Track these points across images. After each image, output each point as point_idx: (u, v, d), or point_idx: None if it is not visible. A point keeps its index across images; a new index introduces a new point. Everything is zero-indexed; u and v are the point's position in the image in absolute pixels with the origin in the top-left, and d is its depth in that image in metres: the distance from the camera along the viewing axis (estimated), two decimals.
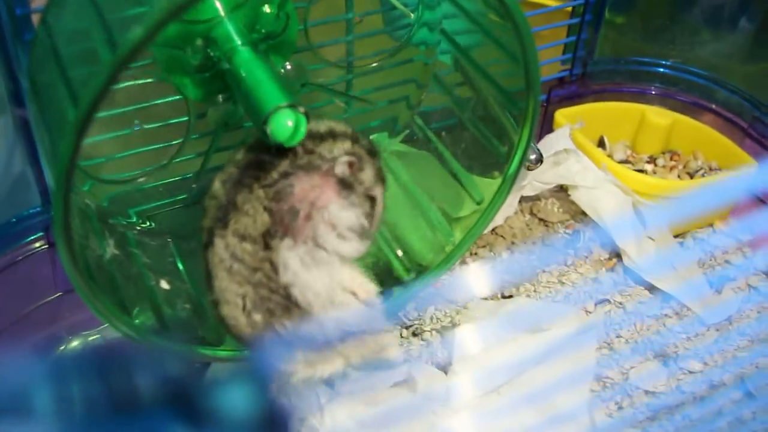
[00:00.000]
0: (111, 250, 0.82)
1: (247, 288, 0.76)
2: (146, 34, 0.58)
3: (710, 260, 1.11)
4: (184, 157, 0.90)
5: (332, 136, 0.79)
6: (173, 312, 0.87)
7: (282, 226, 0.75)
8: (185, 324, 0.87)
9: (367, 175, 0.80)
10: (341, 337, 0.80)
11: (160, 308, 0.85)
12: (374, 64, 0.97)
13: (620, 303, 1.03)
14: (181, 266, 0.91)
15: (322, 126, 0.80)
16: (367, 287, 0.81)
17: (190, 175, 0.93)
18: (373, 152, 0.82)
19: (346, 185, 0.78)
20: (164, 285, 0.87)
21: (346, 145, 0.79)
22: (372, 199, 0.81)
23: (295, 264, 0.75)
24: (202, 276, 0.80)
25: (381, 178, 0.83)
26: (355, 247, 0.79)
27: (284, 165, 0.76)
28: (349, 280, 0.80)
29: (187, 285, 0.89)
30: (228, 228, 0.76)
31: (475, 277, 0.91)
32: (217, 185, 0.78)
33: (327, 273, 0.77)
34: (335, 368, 0.82)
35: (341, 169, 0.78)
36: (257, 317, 0.77)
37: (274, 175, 0.76)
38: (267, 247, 0.75)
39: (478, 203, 0.93)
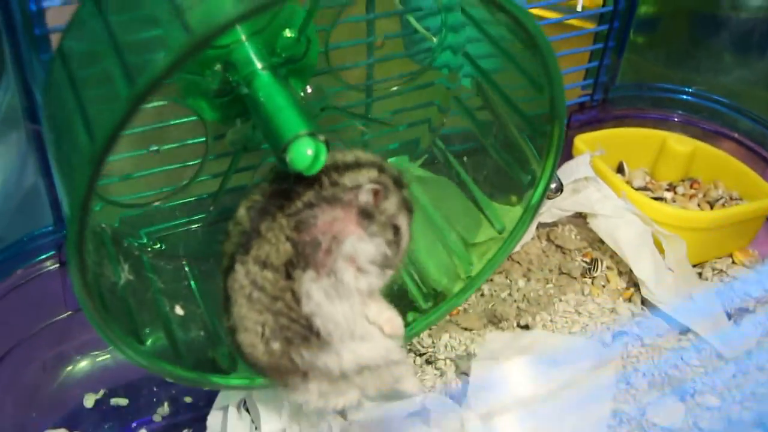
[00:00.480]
0: (125, 275, 0.81)
1: (266, 316, 0.75)
2: (166, 68, 0.56)
3: (729, 292, 1.09)
4: (201, 178, 0.89)
5: (358, 165, 0.78)
6: (186, 337, 0.85)
7: (304, 257, 0.74)
8: (198, 349, 0.86)
9: (391, 203, 0.78)
10: (358, 369, 0.79)
11: (173, 333, 0.84)
12: (395, 88, 0.96)
13: (638, 335, 1.00)
14: (195, 289, 0.89)
15: (349, 156, 0.78)
16: (395, 322, 0.81)
17: (206, 196, 0.91)
18: (399, 182, 0.80)
19: (367, 215, 0.76)
20: (179, 311, 0.86)
21: (372, 173, 0.78)
22: (396, 228, 0.79)
23: (318, 295, 0.74)
24: (218, 299, 0.79)
25: (407, 208, 0.81)
26: (374, 281, 0.78)
27: (309, 195, 0.75)
28: (375, 313, 0.79)
29: (201, 310, 0.88)
30: (250, 254, 0.75)
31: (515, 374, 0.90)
32: (242, 212, 0.77)
33: (350, 306, 0.76)
34: (349, 400, 0.81)
35: (365, 197, 0.76)
36: (275, 345, 0.76)
37: (299, 204, 0.74)
38: (289, 276, 0.74)
39: (500, 232, 0.91)
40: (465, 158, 0.98)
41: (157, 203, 0.88)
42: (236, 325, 0.76)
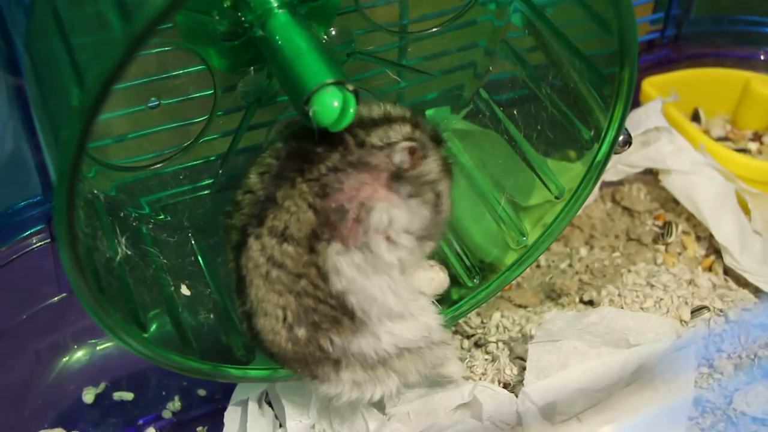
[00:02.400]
0: (123, 250, 0.80)
1: (288, 298, 0.73)
2: (168, 3, 0.53)
3: None
4: (209, 137, 0.87)
5: (388, 120, 0.76)
6: (195, 321, 0.84)
7: (329, 227, 0.72)
8: (208, 335, 0.85)
9: (431, 166, 0.77)
10: (398, 352, 0.78)
11: (179, 317, 0.82)
12: (434, 29, 0.93)
13: (721, 310, 0.98)
14: (204, 266, 0.88)
15: (376, 110, 0.77)
16: (438, 279, 0.81)
17: (214, 157, 0.89)
18: (437, 139, 0.79)
19: (400, 177, 0.75)
20: (185, 291, 0.85)
21: (405, 129, 0.76)
22: (438, 195, 0.78)
23: (349, 270, 0.73)
24: (229, 280, 0.78)
25: (447, 170, 0.80)
26: (410, 255, 0.76)
27: (333, 159, 0.73)
28: (418, 280, 0.79)
29: (211, 289, 0.86)
30: (264, 226, 0.73)
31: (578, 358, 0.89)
32: (253, 178, 0.75)
33: (388, 278, 0.75)
34: (388, 389, 0.80)
35: (399, 157, 0.74)
36: (300, 332, 0.74)
37: (322, 168, 0.73)
38: (312, 250, 0.72)
39: (557, 197, 0.88)
40: (515, 111, 0.95)
41: (158, 166, 0.86)
42: (254, 309, 0.75)
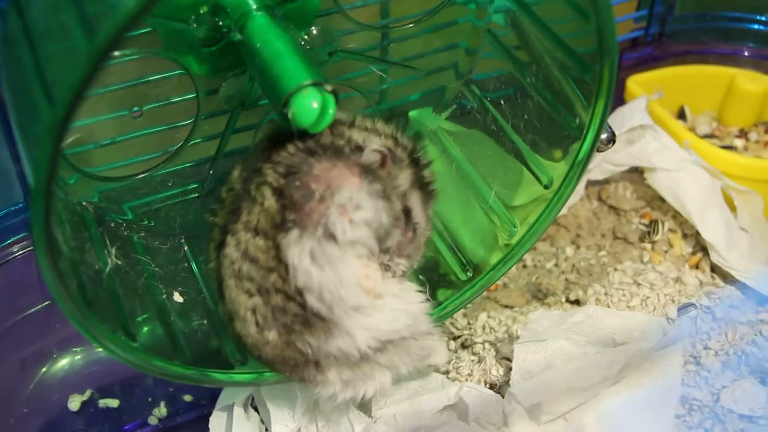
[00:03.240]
0: (113, 260, 0.79)
1: (256, 300, 0.72)
2: (132, 14, 0.53)
3: None
4: (194, 141, 0.87)
5: (375, 131, 0.77)
6: (187, 327, 0.84)
7: (292, 210, 0.70)
8: (200, 340, 0.85)
9: (403, 179, 0.77)
10: (380, 346, 0.76)
11: (171, 325, 0.82)
12: (411, 25, 0.93)
13: (708, 307, 0.99)
14: (196, 271, 0.88)
15: (369, 122, 0.78)
16: (374, 277, 0.76)
17: (191, 164, 0.90)
18: (416, 159, 0.79)
19: (372, 174, 0.74)
20: (177, 298, 0.85)
21: (386, 141, 0.77)
22: (407, 210, 0.77)
23: (304, 261, 0.71)
24: (212, 281, 0.78)
25: (424, 190, 0.80)
26: (368, 250, 0.74)
27: (307, 141, 0.73)
28: (362, 275, 0.75)
29: (205, 295, 0.86)
30: (239, 221, 0.73)
31: (564, 359, 0.89)
32: (235, 174, 0.76)
33: (344, 268, 0.72)
34: (380, 383, 0.79)
35: (370, 158, 0.74)
36: (271, 335, 0.73)
37: (290, 148, 0.73)
38: (276, 244, 0.71)
39: (546, 186, 0.88)
40: (502, 102, 0.95)
41: (143, 174, 0.86)
42: (231, 312, 0.74)
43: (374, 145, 0.75)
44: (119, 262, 0.81)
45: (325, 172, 0.72)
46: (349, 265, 0.73)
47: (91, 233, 0.81)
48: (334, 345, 0.74)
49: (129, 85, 0.82)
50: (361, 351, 0.75)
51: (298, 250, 0.71)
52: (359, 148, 0.74)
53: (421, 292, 0.81)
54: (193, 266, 0.89)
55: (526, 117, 0.91)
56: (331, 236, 0.71)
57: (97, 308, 0.72)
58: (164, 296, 0.84)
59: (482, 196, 0.95)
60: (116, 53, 0.59)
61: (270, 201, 0.71)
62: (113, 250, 0.81)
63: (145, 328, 0.81)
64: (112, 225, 0.85)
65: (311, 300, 0.72)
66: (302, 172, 0.71)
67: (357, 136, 0.75)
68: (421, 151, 0.80)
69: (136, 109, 0.82)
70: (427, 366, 0.86)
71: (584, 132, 0.84)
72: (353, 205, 0.72)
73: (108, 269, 0.79)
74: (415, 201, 0.78)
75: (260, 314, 0.73)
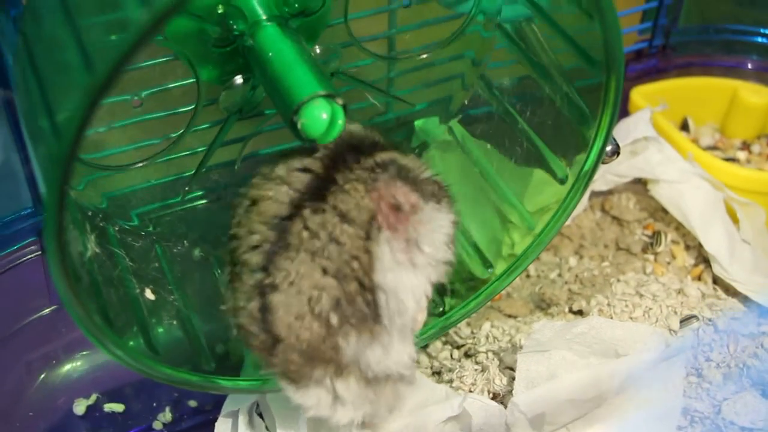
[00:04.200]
0: (92, 247, 0.79)
1: (329, 280, 0.72)
2: (150, 25, 0.54)
3: None
4: (180, 154, 0.86)
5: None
6: (161, 326, 0.85)
7: (383, 214, 0.73)
8: (173, 342, 0.85)
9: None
10: (386, 377, 0.77)
11: (144, 320, 0.82)
12: (424, 56, 0.94)
13: (710, 320, 0.98)
14: (168, 274, 0.88)
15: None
16: (425, 311, 0.80)
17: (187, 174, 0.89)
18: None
19: (441, 200, 0.78)
20: (149, 295, 0.85)
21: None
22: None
23: (388, 260, 0.73)
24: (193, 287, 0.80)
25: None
26: (441, 268, 0.78)
27: (383, 155, 0.76)
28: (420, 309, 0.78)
29: (175, 296, 0.86)
30: (327, 203, 0.73)
31: (568, 369, 0.89)
32: (308, 160, 0.76)
33: (418, 281, 0.75)
34: (356, 416, 0.79)
35: (433, 188, 0.77)
36: (333, 318, 0.72)
37: (378, 159, 0.76)
38: (369, 236, 0.73)
39: (561, 183, 0.89)
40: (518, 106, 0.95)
41: (140, 165, 0.85)
42: (281, 283, 0.72)
43: (435, 177, 0.78)
44: (97, 251, 0.80)
45: (409, 191, 0.75)
46: (423, 282, 0.76)
47: (73, 216, 0.79)
48: (369, 353, 0.75)
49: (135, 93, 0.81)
50: (380, 369, 0.76)
51: (388, 249, 0.73)
52: (425, 179, 0.77)
53: (434, 303, 0.84)
54: (164, 267, 0.89)
55: (536, 122, 0.92)
56: (419, 248, 0.75)
57: (82, 289, 0.70)
58: (137, 291, 0.84)
59: (502, 193, 0.95)
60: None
61: (365, 200, 0.73)
62: (92, 237, 0.81)
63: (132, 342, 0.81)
64: (89, 214, 0.85)
65: (382, 299, 0.73)
66: (390, 186, 0.74)
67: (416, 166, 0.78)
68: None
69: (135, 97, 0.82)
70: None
71: (590, 143, 0.85)
72: (438, 225, 0.76)
73: (88, 254, 0.79)
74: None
75: (328, 295, 0.72)
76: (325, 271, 0.72)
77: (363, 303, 0.73)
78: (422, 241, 0.75)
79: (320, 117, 0.70)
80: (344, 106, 0.71)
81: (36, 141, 0.66)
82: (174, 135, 0.85)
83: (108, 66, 0.55)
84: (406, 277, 0.74)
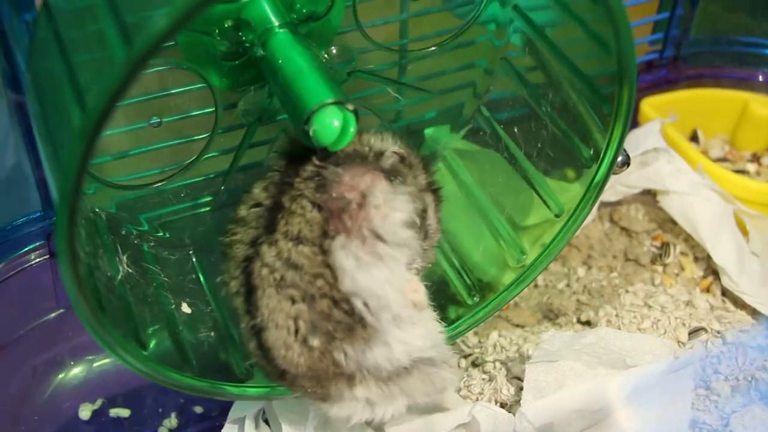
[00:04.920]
0: (124, 268, 0.80)
1: (300, 306, 0.73)
2: (169, 26, 0.54)
3: None
4: (210, 154, 0.87)
5: (382, 136, 0.79)
6: (194, 338, 0.84)
7: (334, 219, 0.72)
8: (208, 352, 0.85)
9: (419, 181, 0.79)
10: (408, 366, 0.77)
11: (179, 335, 0.82)
12: (433, 48, 0.93)
13: (718, 332, 0.98)
14: (204, 284, 0.88)
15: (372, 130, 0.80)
16: (419, 290, 0.78)
17: (213, 175, 0.90)
18: (427, 166, 0.81)
19: (397, 177, 0.76)
20: (185, 309, 0.85)
21: (400, 149, 0.78)
22: (424, 210, 0.79)
23: (350, 263, 0.72)
24: (231, 299, 0.78)
25: (435, 194, 0.82)
26: (412, 244, 0.76)
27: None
28: (410, 288, 0.77)
29: (212, 307, 0.86)
30: (278, 232, 0.73)
31: (575, 379, 0.89)
32: (257, 191, 0.76)
33: (390, 271, 0.74)
34: (398, 408, 0.79)
35: (390, 160, 0.76)
36: (314, 342, 0.73)
37: (316, 162, 0.74)
38: (324, 250, 0.73)
39: (557, 216, 0.89)
40: (515, 128, 0.95)
41: (159, 184, 0.86)
42: (264, 322, 0.74)
43: (394, 147, 0.77)
44: (130, 270, 0.81)
45: (356, 179, 0.73)
46: (396, 269, 0.74)
47: (104, 241, 0.81)
48: (371, 356, 0.75)
49: (150, 98, 0.82)
50: (393, 365, 0.76)
51: (345, 254, 0.72)
52: (380, 153, 0.76)
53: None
54: (201, 278, 0.89)
55: (539, 145, 0.92)
56: (378, 238, 0.73)
57: (109, 314, 0.72)
58: (173, 306, 0.85)
59: (491, 221, 0.95)
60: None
61: (312, 213, 0.73)
62: (124, 258, 0.81)
63: (154, 341, 0.81)
64: (124, 233, 0.86)
65: (358, 305, 0.73)
66: (335, 183, 0.73)
67: (375, 142, 0.77)
68: (429, 158, 0.83)
69: (155, 119, 0.83)
70: (439, 401, 0.86)
71: (601, 155, 0.84)
72: (390, 207, 0.74)
73: (119, 277, 0.79)
74: (429, 203, 0.80)
75: (303, 321, 0.73)
76: (293, 300, 0.73)
77: (342, 315, 0.73)
78: (380, 230, 0.73)
79: (332, 124, 0.71)
80: (356, 113, 0.71)
81: (57, 127, 0.66)
82: (188, 160, 0.87)
83: (146, 41, 0.55)
84: (377, 272, 0.73)
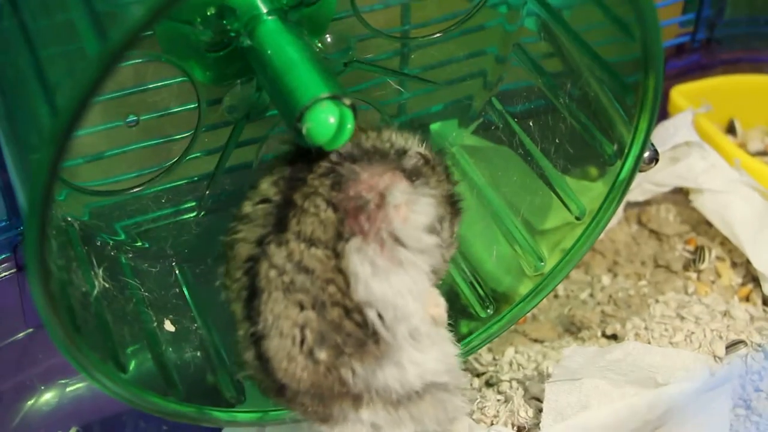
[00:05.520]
0: (100, 282, 0.80)
1: (309, 314, 0.73)
2: (147, 15, 0.55)
3: None
4: (193, 156, 0.88)
5: (404, 135, 0.79)
6: (179, 359, 0.85)
7: (350, 219, 0.72)
8: (194, 374, 0.85)
9: (442, 189, 0.79)
10: (420, 391, 0.77)
11: (162, 356, 0.83)
12: (438, 34, 0.94)
13: (759, 345, 0.99)
14: (189, 299, 0.89)
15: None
16: (442, 303, 0.79)
17: (197, 178, 0.91)
18: (449, 176, 0.82)
19: (419, 178, 0.76)
20: (168, 326, 0.85)
21: (422, 148, 0.79)
22: (441, 219, 0.79)
23: (365, 270, 0.72)
24: (217, 311, 0.78)
25: (454, 206, 0.82)
26: (434, 252, 0.77)
27: (345, 147, 0.74)
28: (432, 303, 0.78)
29: (198, 324, 0.87)
30: (289, 231, 0.73)
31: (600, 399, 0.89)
32: (264, 186, 0.76)
33: (411, 279, 0.74)
34: None
35: (413, 161, 0.76)
36: (321, 354, 0.73)
37: (333, 157, 0.74)
38: (337, 254, 0.72)
39: (578, 218, 0.89)
40: (530, 122, 0.96)
41: (137, 189, 0.87)
42: (267, 329, 0.74)
43: (418, 148, 0.77)
44: (107, 285, 0.81)
45: (375, 178, 0.73)
46: (418, 278, 0.75)
47: (77, 252, 0.82)
48: (381, 376, 0.75)
49: (126, 93, 0.83)
50: (405, 388, 0.76)
51: (360, 258, 0.72)
52: (403, 152, 0.76)
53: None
54: (186, 292, 0.90)
55: (557, 141, 0.92)
56: (398, 242, 0.73)
57: (85, 334, 0.72)
58: (155, 324, 0.85)
59: (505, 226, 0.96)
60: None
61: (327, 213, 0.72)
62: (100, 272, 0.81)
63: (134, 362, 0.81)
64: (98, 244, 0.86)
65: (371, 316, 0.73)
66: (352, 181, 0.73)
67: (398, 139, 0.77)
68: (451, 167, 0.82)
69: (132, 118, 0.83)
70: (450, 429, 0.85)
71: (626, 150, 0.85)
72: (412, 209, 0.74)
73: (95, 292, 0.80)
74: (445, 214, 0.80)
75: (311, 330, 0.73)
76: (302, 306, 0.73)
77: (353, 327, 0.73)
78: (400, 234, 0.73)
79: (327, 121, 0.71)
80: (354, 108, 0.72)
81: (24, 128, 0.67)
82: (168, 162, 0.87)
83: (122, 33, 0.56)
84: (395, 280, 0.73)
